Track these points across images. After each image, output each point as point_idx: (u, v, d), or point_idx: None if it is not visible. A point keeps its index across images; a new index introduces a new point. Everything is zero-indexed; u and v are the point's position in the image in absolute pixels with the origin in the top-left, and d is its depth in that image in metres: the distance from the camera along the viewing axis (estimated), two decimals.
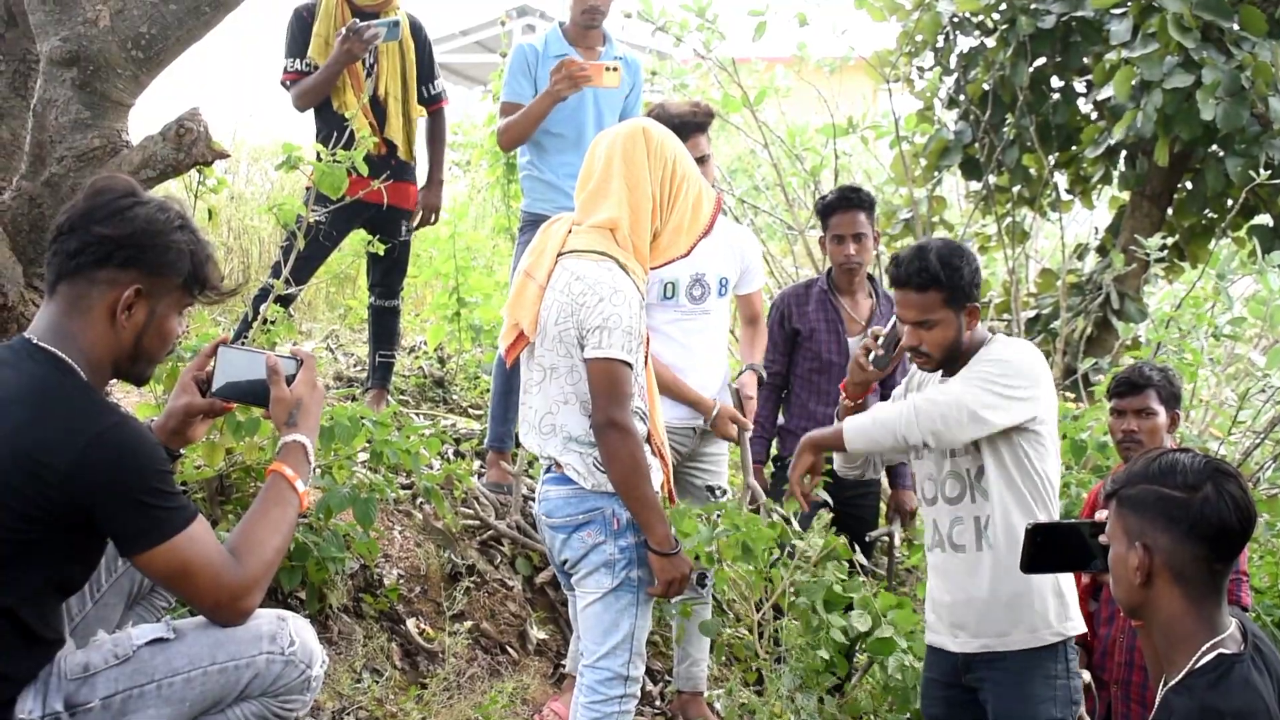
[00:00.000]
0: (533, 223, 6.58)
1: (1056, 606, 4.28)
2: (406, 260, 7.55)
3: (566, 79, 6.17)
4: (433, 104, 7.36)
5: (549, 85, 6.24)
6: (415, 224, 7.43)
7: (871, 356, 4.54)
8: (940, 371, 4.47)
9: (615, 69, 6.25)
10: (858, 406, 4.68)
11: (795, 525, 5.35)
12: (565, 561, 4.55)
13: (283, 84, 7.05)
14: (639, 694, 4.60)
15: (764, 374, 6.06)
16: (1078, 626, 4.35)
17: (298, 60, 6.98)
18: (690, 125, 5.39)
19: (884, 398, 6.41)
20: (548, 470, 4.56)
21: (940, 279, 4.27)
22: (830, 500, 5.67)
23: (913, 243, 8.43)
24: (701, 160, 5.42)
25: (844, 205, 6.18)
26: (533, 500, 6.87)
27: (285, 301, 6.65)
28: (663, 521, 4.41)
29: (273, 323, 5.81)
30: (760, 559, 5.22)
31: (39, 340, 3.16)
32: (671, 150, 4.54)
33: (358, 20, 6.74)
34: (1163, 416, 5.20)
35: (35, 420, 3.00)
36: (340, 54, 6.72)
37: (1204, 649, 3.07)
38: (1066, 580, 4.30)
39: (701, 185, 4.60)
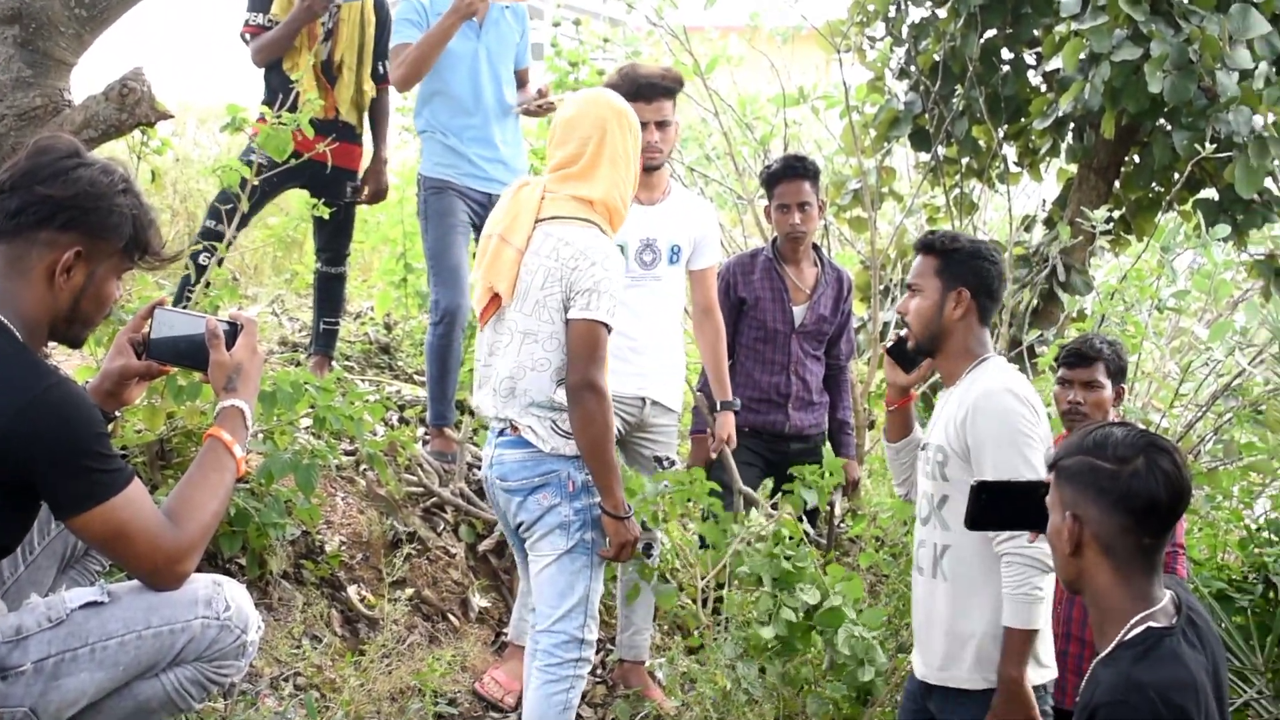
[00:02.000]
0: (436, 189, 6.55)
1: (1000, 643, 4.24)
2: (352, 224, 7.52)
3: (468, 2, 6.17)
4: (381, 82, 7.30)
5: (454, 4, 6.21)
6: (360, 200, 7.40)
7: (889, 344, 4.60)
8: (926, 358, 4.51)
9: None
10: (899, 411, 4.73)
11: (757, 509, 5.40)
12: (520, 525, 4.59)
13: (242, 36, 7.00)
14: (592, 658, 4.63)
15: (738, 408, 6.08)
16: (1045, 674, 4.32)
17: (260, 15, 6.93)
18: (659, 88, 5.40)
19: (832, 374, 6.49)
20: (500, 434, 4.59)
21: (934, 246, 4.38)
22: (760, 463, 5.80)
23: (860, 213, 8.46)
24: (663, 125, 5.45)
25: (789, 174, 6.20)
26: (477, 468, 6.90)
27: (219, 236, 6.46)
28: (620, 486, 4.49)
29: (211, 285, 5.78)
30: (713, 528, 5.26)
31: None
32: (638, 129, 4.66)
33: None
34: (1109, 390, 5.24)
35: None
36: (301, 10, 6.69)
37: (1133, 622, 3.09)
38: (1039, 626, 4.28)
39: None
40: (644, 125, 5.06)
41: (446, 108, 6.58)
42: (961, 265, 4.35)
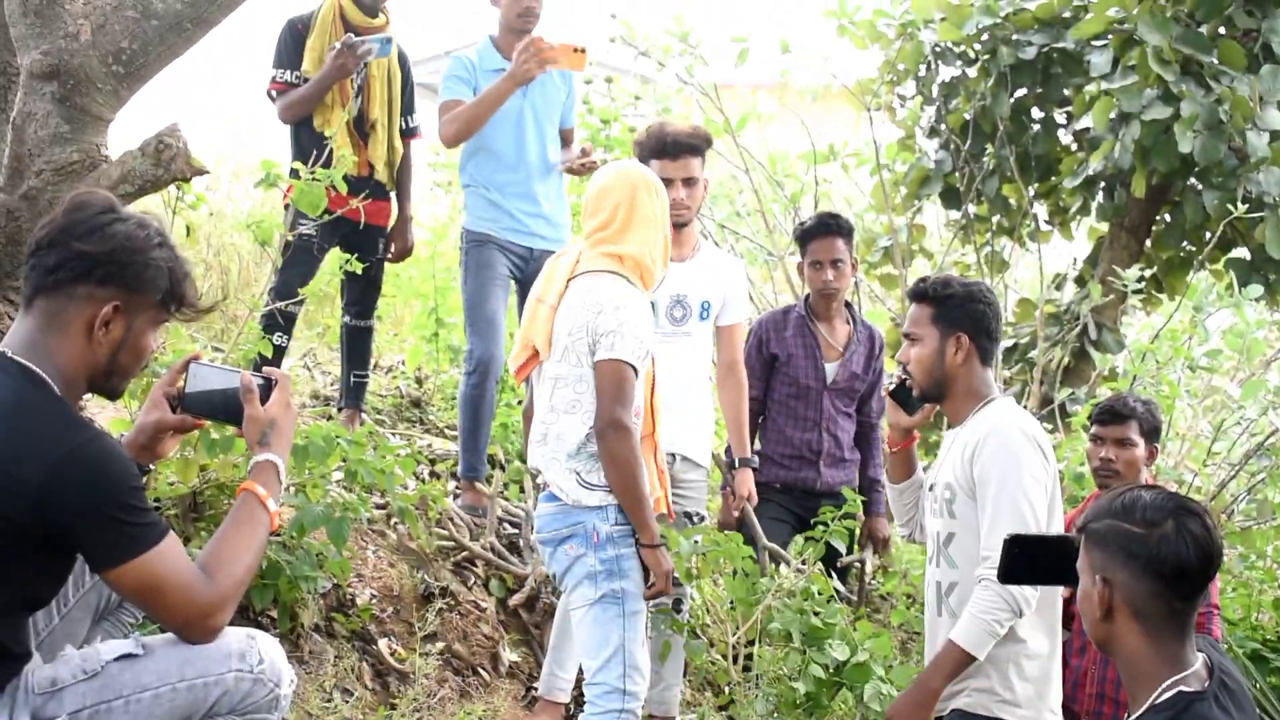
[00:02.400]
0: (478, 242, 6.59)
1: (1012, 691, 4.21)
2: (381, 279, 7.56)
3: (534, 57, 6.18)
4: (407, 136, 7.35)
5: (513, 67, 6.23)
6: (388, 257, 7.45)
7: (891, 387, 4.60)
8: (932, 404, 4.52)
9: (582, 51, 6.27)
10: (901, 452, 4.71)
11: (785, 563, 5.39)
12: (554, 576, 4.69)
13: (269, 94, 7.03)
14: (639, 711, 4.64)
15: (756, 465, 6.09)
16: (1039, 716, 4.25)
17: (289, 71, 6.97)
18: (684, 146, 5.43)
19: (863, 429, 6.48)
20: (544, 487, 4.71)
21: (928, 294, 4.37)
22: (790, 520, 5.81)
23: (891, 270, 8.46)
24: (690, 182, 5.46)
25: (822, 231, 6.21)
26: (508, 522, 6.91)
27: (289, 318, 6.86)
28: (653, 519, 4.55)
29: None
30: (742, 585, 5.26)
31: (13, 354, 3.15)
32: (665, 195, 4.76)
33: (352, 35, 6.75)
34: (1141, 449, 5.21)
35: (8, 435, 2.99)
36: (333, 68, 6.72)
37: (1164, 686, 3.08)
38: (1044, 668, 4.25)
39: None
40: (670, 182, 5.12)
41: (490, 163, 6.61)
42: (957, 310, 4.34)
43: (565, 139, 6.98)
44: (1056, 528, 4.25)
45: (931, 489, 4.46)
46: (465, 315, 6.78)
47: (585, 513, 4.56)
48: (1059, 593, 4.28)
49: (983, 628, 4.07)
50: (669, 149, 5.35)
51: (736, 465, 6.02)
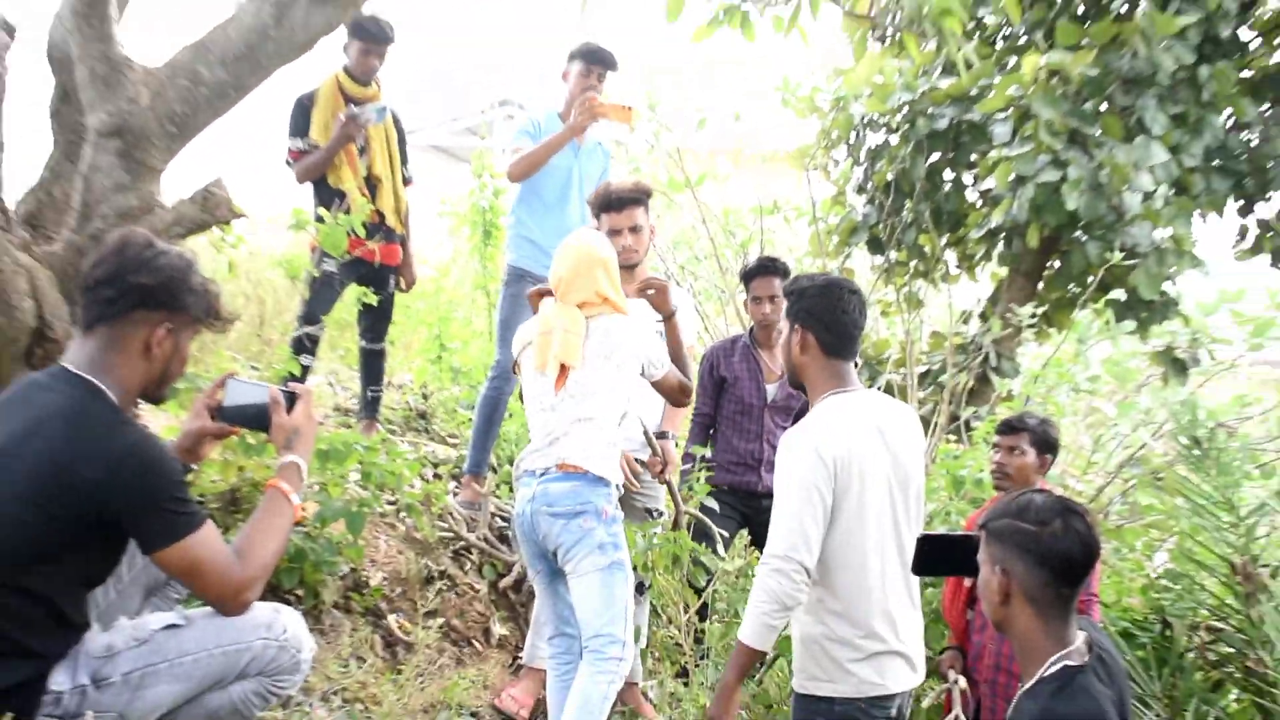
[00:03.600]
0: (518, 275, 6.64)
1: (814, 666, 3.99)
2: (391, 309, 7.57)
3: (588, 112, 6.26)
4: (405, 183, 7.38)
5: (571, 119, 6.33)
6: (400, 289, 7.48)
7: None
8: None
9: (629, 108, 6.30)
10: None
11: (720, 546, 5.38)
12: (560, 547, 4.64)
13: (287, 161, 7.08)
14: (630, 664, 4.66)
15: (677, 440, 6.07)
16: (832, 689, 3.96)
17: (299, 139, 7.03)
18: (627, 200, 5.41)
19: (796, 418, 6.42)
20: (543, 474, 4.68)
21: (786, 291, 4.20)
22: (735, 516, 5.82)
23: None
24: (636, 229, 5.46)
25: (762, 272, 6.23)
26: (500, 517, 6.90)
27: (314, 341, 6.93)
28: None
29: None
30: (686, 568, 5.27)
31: (77, 370, 3.16)
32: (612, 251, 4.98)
33: (353, 107, 6.84)
34: (1031, 457, 5.19)
35: (72, 438, 3.00)
36: (339, 136, 6.82)
37: (1052, 660, 3.12)
38: (841, 647, 3.96)
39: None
40: (619, 231, 5.18)
41: (538, 209, 6.62)
42: (798, 304, 4.10)
43: None
44: (852, 512, 3.93)
45: None
46: (497, 331, 6.83)
47: (595, 493, 4.60)
48: (854, 546, 3.97)
49: (760, 622, 3.87)
50: (614, 203, 5.35)
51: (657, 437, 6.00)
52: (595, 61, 6.66)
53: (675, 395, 5.02)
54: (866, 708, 3.96)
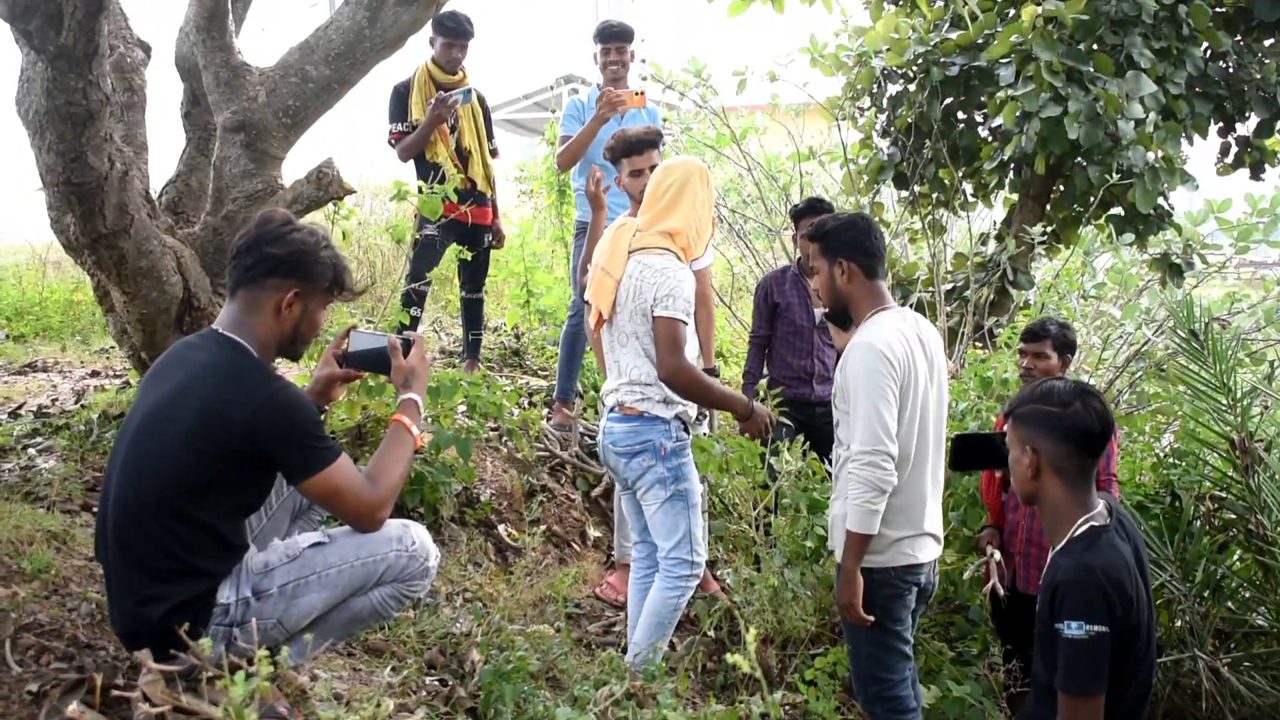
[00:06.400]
0: (583, 228, 6.63)
1: (844, 535, 3.90)
2: (487, 263, 7.59)
3: (608, 104, 6.31)
4: (492, 155, 7.39)
5: (596, 112, 6.35)
6: (492, 245, 7.49)
7: (821, 317, 4.46)
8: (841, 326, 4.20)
9: (640, 93, 6.40)
10: None
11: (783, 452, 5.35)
12: (627, 479, 4.62)
13: (389, 142, 7.10)
14: (701, 574, 4.64)
15: (718, 372, 5.99)
16: (871, 560, 3.93)
17: (400, 123, 7.05)
18: (644, 143, 5.26)
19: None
20: (611, 410, 4.62)
21: (813, 235, 4.09)
22: (793, 424, 5.75)
23: None
24: (655, 168, 5.39)
25: (810, 211, 6.17)
26: (588, 436, 6.93)
27: (422, 296, 7.00)
28: (733, 401, 4.57)
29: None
30: (753, 473, 5.27)
31: (223, 330, 3.20)
32: (711, 186, 4.64)
33: (443, 92, 6.86)
34: (1055, 360, 5.14)
35: (222, 388, 3.03)
36: (432, 118, 6.84)
37: (1079, 523, 3.14)
38: (886, 527, 3.90)
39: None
40: (639, 171, 5.04)
41: None
42: (834, 240, 4.01)
43: None
44: (911, 410, 3.87)
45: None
46: (572, 276, 6.86)
47: (653, 431, 4.50)
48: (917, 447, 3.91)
49: (863, 510, 3.79)
50: (635, 146, 5.22)
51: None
52: (609, 38, 6.60)
53: (662, 349, 4.38)
54: (900, 573, 3.96)
